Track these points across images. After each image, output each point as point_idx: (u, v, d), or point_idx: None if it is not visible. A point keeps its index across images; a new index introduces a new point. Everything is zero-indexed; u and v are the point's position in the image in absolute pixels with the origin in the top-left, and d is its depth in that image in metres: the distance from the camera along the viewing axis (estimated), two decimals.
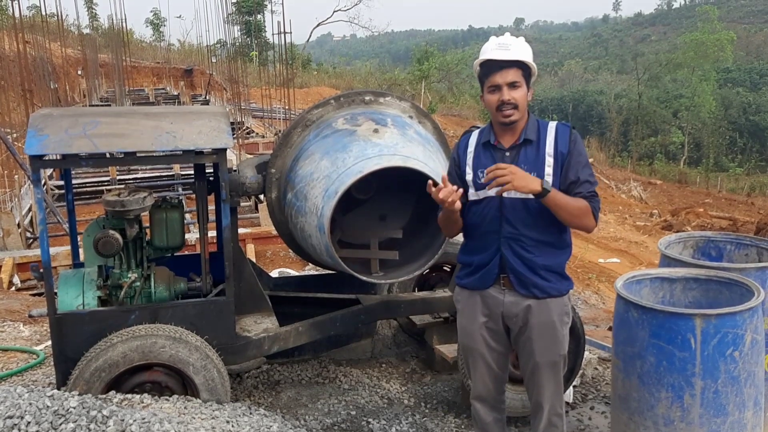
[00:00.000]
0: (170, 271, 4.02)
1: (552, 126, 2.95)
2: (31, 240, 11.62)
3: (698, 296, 3.52)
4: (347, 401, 4.36)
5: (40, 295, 7.99)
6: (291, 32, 24.40)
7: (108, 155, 3.68)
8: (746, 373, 3.09)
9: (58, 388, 3.45)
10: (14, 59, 19.48)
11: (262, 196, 4.23)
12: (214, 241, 4.68)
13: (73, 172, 5.13)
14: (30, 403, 2.98)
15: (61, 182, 13.42)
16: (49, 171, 14.29)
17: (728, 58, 47.67)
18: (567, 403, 4.27)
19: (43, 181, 12.72)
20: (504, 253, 2.94)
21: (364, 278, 3.86)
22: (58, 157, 3.54)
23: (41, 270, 3.58)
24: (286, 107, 22.67)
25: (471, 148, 3.01)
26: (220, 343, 3.72)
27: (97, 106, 24.00)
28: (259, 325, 4.05)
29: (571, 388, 4.28)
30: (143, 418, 3.01)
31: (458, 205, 2.81)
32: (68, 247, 5.97)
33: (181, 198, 11.77)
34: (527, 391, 3.18)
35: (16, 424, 2.86)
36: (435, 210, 3.07)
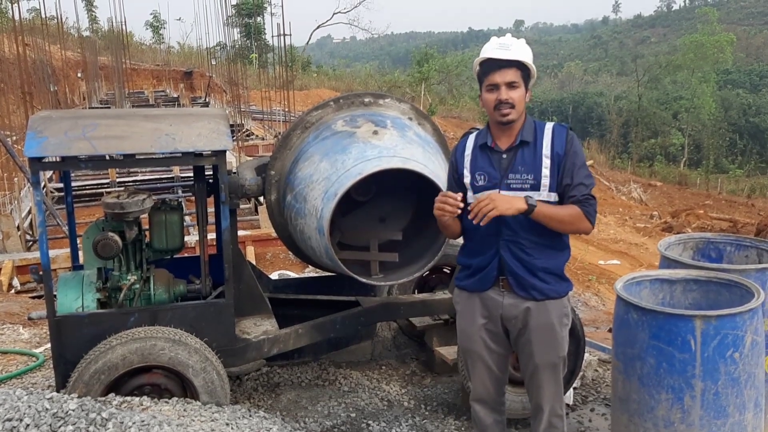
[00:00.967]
0: (170, 273, 4.01)
1: (549, 127, 2.95)
2: (31, 242, 11.62)
3: (698, 298, 3.51)
4: (347, 403, 4.35)
5: (39, 297, 7.99)
6: (291, 34, 24.51)
7: (107, 157, 3.68)
8: (746, 374, 3.08)
9: (58, 391, 3.44)
10: (14, 62, 19.49)
11: (261, 199, 4.23)
12: (214, 243, 4.68)
13: (72, 174, 5.13)
14: (29, 406, 2.97)
15: (61, 185, 13.41)
16: (48, 173, 14.29)
17: (728, 59, 47.70)
18: (567, 404, 4.27)
19: (42, 184, 12.74)
20: (503, 256, 2.94)
21: (364, 280, 3.85)
22: (58, 160, 3.54)
23: (40, 272, 3.57)
24: (286, 109, 22.70)
25: (468, 151, 3.01)
26: (220, 345, 3.71)
27: (97, 108, 24.00)
28: (259, 328, 4.05)
29: (571, 389, 4.27)
30: (142, 421, 3.00)
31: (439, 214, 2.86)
32: (68, 250, 5.97)
33: (180, 200, 11.77)
34: (527, 392, 3.17)
35: (15, 427, 2.86)
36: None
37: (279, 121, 24.09)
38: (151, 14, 57.78)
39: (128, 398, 3.36)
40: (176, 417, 3.24)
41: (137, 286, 3.81)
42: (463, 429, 4.09)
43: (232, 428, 3.28)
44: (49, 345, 4.43)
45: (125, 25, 37.21)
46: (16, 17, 18.12)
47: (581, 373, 4.52)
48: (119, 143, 3.48)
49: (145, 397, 3.40)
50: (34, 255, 9.92)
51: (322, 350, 4.89)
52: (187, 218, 11.13)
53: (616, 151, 41.62)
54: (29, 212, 12.51)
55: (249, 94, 28.21)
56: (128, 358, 3.42)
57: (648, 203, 25.41)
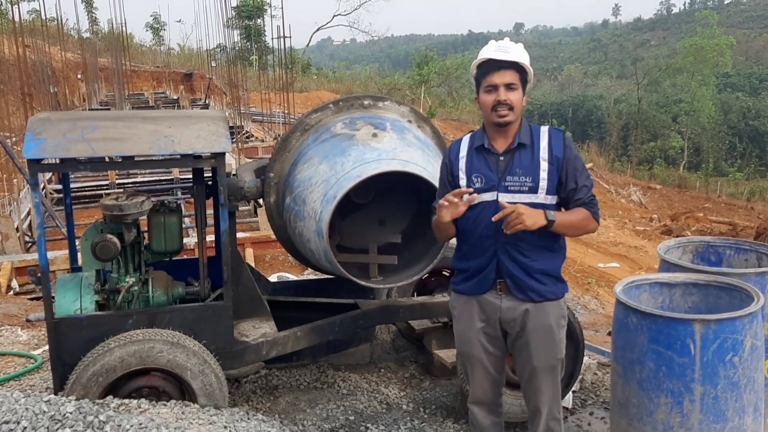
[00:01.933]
0: (168, 275, 4.00)
1: (545, 130, 2.97)
2: (30, 244, 11.60)
3: (698, 301, 3.51)
4: (346, 406, 4.35)
5: (38, 299, 7.97)
6: (291, 37, 24.49)
7: (106, 159, 3.67)
8: (746, 378, 3.08)
9: (55, 393, 3.44)
10: (14, 63, 19.49)
11: (260, 201, 4.23)
12: (213, 245, 4.67)
13: (71, 176, 5.13)
14: (26, 408, 2.96)
15: (60, 186, 13.41)
16: (47, 175, 14.28)
17: (727, 63, 47.76)
18: (566, 408, 4.26)
19: (41, 185, 12.73)
20: (500, 258, 2.93)
21: (363, 283, 3.85)
22: (57, 161, 3.53)
23: (39, 274, 3.56)
24: (286, 111, 22.69)
25: (463, 153, 3.01)
26: (218, 347, 3.70)
27: (97, 110, 24.00)
28: (258, 330, 4.04)
29: (570, 393, 4.27)
30: (140, 423, 2.99)
31: (445, 215, 2.86)
32: (66, 252, 5.96)
33: (179, 202, 11.77)
34: (524, 396, 3.17)
35: (12, 430, 2.84)
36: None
37: (279, 123, 24.10)
38: (151, 16, 57.78)
39: (126, 401, 3.35)
40: (174, 420, 3.23)
41: (136, 288, 3.80)
42: None
43: (230, 431, 3.27)
44: (47, 347, 4.42)
45: (125, 26, 37.30)
46: (16, 18, 18.12)
47: (580, 377, 4.51)
48: (118, 145, 3.48)
49: (143, 400, 3.39)
50: (33, 256, 9.91)
51: (320, 353, 4.88)
52: (185, 220, 11.12)
53: (616, 154, 41.62)
54: (28, 213, 12.50)
55: (249, 96, 28.21)
56: (126, 360, 3.41)
57: (647, 206, 25.42)
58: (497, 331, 3.04)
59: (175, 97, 29.88)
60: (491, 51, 2.89)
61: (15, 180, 13.23)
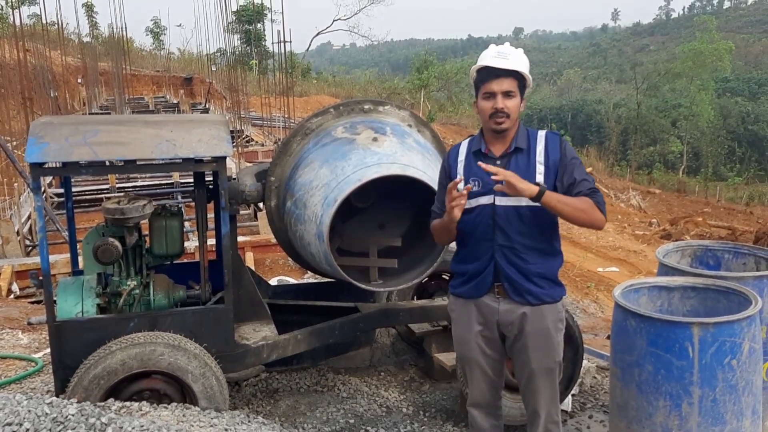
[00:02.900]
0: (169, 278, 4.02)
1: (541, 135, 2.99)
2: (30, 248, 11.63)
3: (696, 305, 3.53)
4: (346, 410, 4.35)
5: (38, 302, 7.99)
6: (291, 41, 24.60)
7: (108, 163, 3.69)
8: (744, 381, 3.09)
9: (57, 396, 3.44)
10: (14, 67, 19.53)
11: (261, 204, 4.24)
12: (213, 249, 4.69)
13: (72, 180, 5.14)
14: (29, 410, 2.98)
15: (61, 190, 13.43)
16: (48, 179, 14.31)
17: (726, 67, 47.84)
18: (566, 411, 4.27)
19: (42, 189, 12.74)
20: (498, 261, 2.95)
21: (363, 286, 3.86)
22: (59, 165, 3.55)
23: (40, 278, 3.58)
24: (286, 116, 22.75)
25: (461, 157, 3.03)
26: (219, 350, 3.72)
27: (97, 114, 24.02)
28: (258, 333, 4.05)
29: (569, 396, 4.28)
30: (142, 426, 3.01)
31: (457, 213, 2.82)
32: (67, 255, 5.97)
33: (180, 206, 11.79)
34: (523, 399, 3.18)
35: (15, 431, 2.86)
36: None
37: (279, 127, 24.14)
38: (151, 20, 57.89)
39: (127, 403, 3.36)
40: (175, 422, 3.24)
41: (137, 291, 3.81)
42: None
43: None
44: (48, 350, 4.44)
45: (126, 31, 37.26)
46: (17, 23, 18.17)
47: (580, 380, 4.52)
48: (120, 149, 3.50)
49: (144, 402, 3.40)
50: (34, 260, 9.94)
51: (320, 356, 4.89)
52: (186, 224, 11.14)
53: (615, 158, 41.70)
54: (29, 217, 12.53)
55: (249, 100, 28.26)
56: (127, 363, 3.43)
57: (647, 210, 25.46)
58: (495, 334, 3.06)
59: (175, 102, 29.95)
60: (490, 57, 2.89)
61: (16, 184, 13.25)
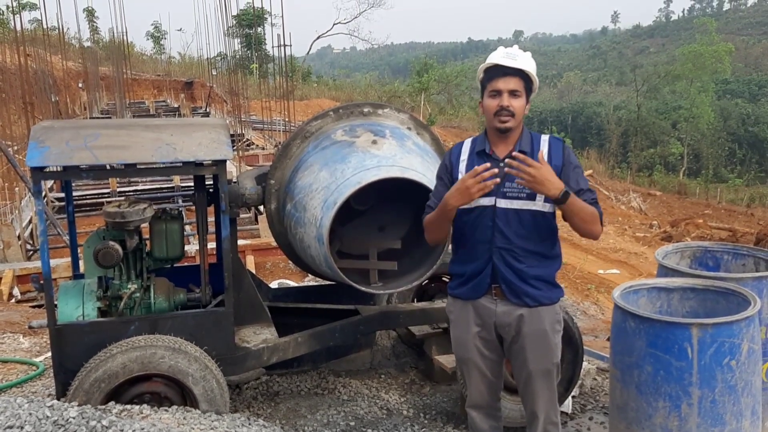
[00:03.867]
0: (170, 282, 4.03)
1: (545, 139, 3.00)
2: (31, 252, 11.63)
3: (695, 306, 3.54)
4: (346, 412, 4.36)
5: (39, 306, 8.00)
6: (291, 45, 24.61)
7: (108, 167, 3.70)
8: (743, 382, 3.10)
9: (58, 399, 3.46)
10: (15, 72, 19.57)
11: (261, 208, 4.25)
12: (214, 252, 4.70)
13: (73, 184, 5.15)
14: (30, 414, 2.99)
15: (61, 194, 13.45)
16: (49, 183, 14.33)
17: (726, 69, 47.79)
18: (566, 413, 4.28)
19: (43, 193, 12.74)
20: (496, 263, 2.96)
21: (363, 289, 3.87)
22: (60, 169, 3.56)
23: (41, 281, 3.59)
24: (286, 119, 22.76)
25: (464, 156, 3.04)
26: (220, 353, 3.73)
27: (98, 118, 24.05)
28: (259, 336, 4.06)
29: (569, 398, 4.28)
30: (142, 429, 3.02)
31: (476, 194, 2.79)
32: (68, 259, 5.98)
33: (181, 209, 11.81)
34: (522, 400, 3.19)
35: None
36: None
37: (279, 131, 24.15)
38: (152, 25, 57.99)
39: (128, 406, 3.37)
40: (176, 425, 3.25)
41: (137, 294, 3.82)
42: None
43: None
44: (49, 354, 4.44)
45: (126, 35, 37.34)
46: (18, 28, 18.21)
47: (580, 382, 4.53)
48: (121, 153, 3.51)
49: (144, 406, 3.41)
50: (35, 264, 9.94)
51: (321, 359, 4.90)
52: (187, 227, 11.14)
53: (616, 160, 41.67)
54: (29, 222, 12.53)
55: (249, 104, 28.29)
56: (128, 366, 3.44)
57: (647, 213, 25.44)
58: (492, 336, 3.07)
59: (176, 106, 29.96)
60: (499, 57, 2.91)
61: (17, 188, 13.27)
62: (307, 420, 4.25)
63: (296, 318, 4.58)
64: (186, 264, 4.69)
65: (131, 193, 14.95)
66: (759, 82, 58.26)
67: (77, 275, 4.31)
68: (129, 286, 3.81)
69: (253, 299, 4.23)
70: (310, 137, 4.18)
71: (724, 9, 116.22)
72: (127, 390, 3.52)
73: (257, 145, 23.24)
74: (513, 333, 3.01)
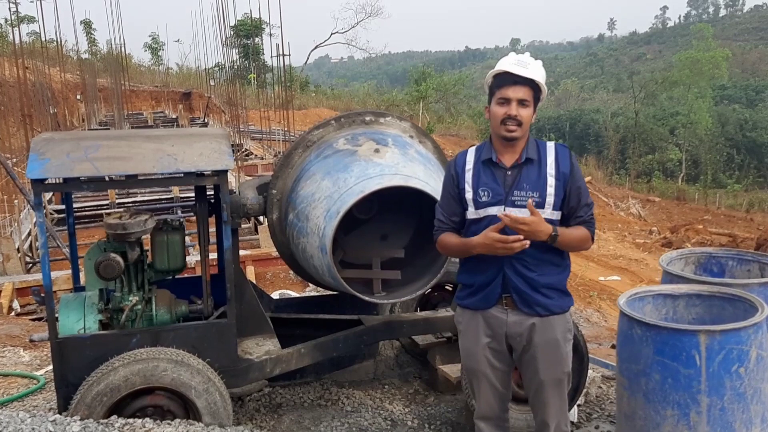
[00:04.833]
0: (171, 293, 4.00)
1: (551, 146, 2.98)
2: (31, 265, 11.61)
3: (701, 313, 3.51)
4: (350, 423, 4.32)
5: (40, 320, 7.97)
6: (289, 54, 24.63)
7: (109, 178, 3.68)
8: (752, 389, 3.07)
9: (60, 413, 3.42)
10: (14, 85, 19.60)
11: (262, 218, 4.23)
12: (215, 263, 4.67)
13: (73, 195, 5.13)
14: (32, 428, 2.96)
15: (61, 207, 13.44)
16: (48, 195, 14.31)
17: (723, 75, 48.01)
18: (572, 422, 4.24)
19: (43, 206, 12.72)
20: (506, 273, 2.93)
21: (366, 298, 3.84)
22: (60, 181, 3.54)
23: (42, 294, 3.56)
24: (285, 129, 22.79)
25: (470, 166, 3.00)
26: (222, 365, 3.70)
27: (96, 130, 24.06)
28: (261, 348, 4.03)
29: (575, 407, 4.25)
30: None
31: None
32: (68, 271, 5.96)
33: (182, 220, 11.78)
34: (532, 409, 3.16)
35: None
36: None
37: (278, 140, 24.18)
38: (149, 36, 58.24)
39: (131, 420, 3.34)
40: None
41: (139, 306, 3.80)
42: None
43: None
44: (50, 367, 4.41)
45: (124, 47, 37.47)
46: (16, 41, 18.24)
47: (585, 390, 4.50)
48: (121, 164, 3.49)
49: (147, 419, 3.38)
50: (34, 277, 9.92)
51: (324, 370, 4.86)
52: (188, 238, 11.12)
53: (614, 167, 41.73)
54: (29, 234, 12.51)
55: (247, 114, 28.32)
56: (130, 379, 3.40)
57: (647, 219, 25.45)
58: (503, 346, 3.04)
59: (174, 116, 30.01)
60: (510, 64, 2.88)
61: (16, 201, 13.25)
62: None
63: (299, 329, 4.55)
64: (187, 275, 4.67)
65: (130, 204, 14.95)
66: (756, 88, 58.48)
67: (78, 288, 4.29)
68: (130, 298, 3.78)
69: (256, 310, 4.20)
70: (312, 146, 4.17)
71: (720, 15, 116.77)
72: (130, 403, 3.49)
73: (256, 155, 23.27)
74: (524, 343, 2.99)
